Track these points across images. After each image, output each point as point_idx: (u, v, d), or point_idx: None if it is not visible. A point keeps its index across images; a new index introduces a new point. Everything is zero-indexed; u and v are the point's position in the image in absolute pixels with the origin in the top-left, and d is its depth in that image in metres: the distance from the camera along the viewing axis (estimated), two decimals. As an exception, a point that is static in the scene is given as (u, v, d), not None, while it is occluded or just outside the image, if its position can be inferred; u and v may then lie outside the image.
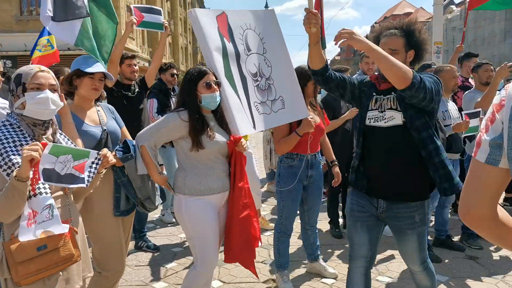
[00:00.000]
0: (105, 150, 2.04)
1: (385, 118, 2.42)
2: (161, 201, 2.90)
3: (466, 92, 4.51)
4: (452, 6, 65.74)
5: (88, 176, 1.93)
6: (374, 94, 2.51)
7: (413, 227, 2.48)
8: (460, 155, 4.29)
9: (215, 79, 2.69)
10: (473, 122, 3.98)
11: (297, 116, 3.23)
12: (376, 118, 2.45)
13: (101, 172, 2.07)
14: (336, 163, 3.75)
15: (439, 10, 9.51)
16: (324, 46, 6.41)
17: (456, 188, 2.42)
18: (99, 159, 1.98)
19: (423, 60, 2.63)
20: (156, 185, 2.84)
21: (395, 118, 2.40)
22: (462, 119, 3.97)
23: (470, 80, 5.20)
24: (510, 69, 4.23)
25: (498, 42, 51.60)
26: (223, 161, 2.73)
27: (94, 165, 1.97)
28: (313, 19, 2.32)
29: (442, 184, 2.38)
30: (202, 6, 52.14)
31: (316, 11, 2.35)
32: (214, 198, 2.67)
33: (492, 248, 4.33)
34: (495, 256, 4.15)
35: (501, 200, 5.64)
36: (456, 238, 4.53)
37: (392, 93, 2.43)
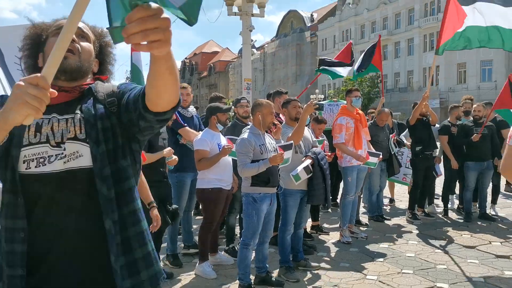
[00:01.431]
0: None
1: (65, 157, 1.39)
2: None
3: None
4: (253, 50, 72.82)
5: None
6: None
7: None
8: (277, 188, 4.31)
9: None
10: (287, 154, 4.07)
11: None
12: (42, 159, 1.39)
13: None
14: (154, 204, 3.29)
15: (248, 49, 10.09)
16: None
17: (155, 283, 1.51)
18: None
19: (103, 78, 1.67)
20: None
21: (83, 155, 1.41)
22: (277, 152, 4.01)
23: (280, 115, 5.43)
24: (315, 106, 4.51)
25: (291, 84, 58.87)
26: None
27: None
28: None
29: (123, 281, 1.41)
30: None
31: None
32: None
33: (306, 281, 4.42)
34: None
35: (309, 229, 5.96)
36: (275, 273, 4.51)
37: (78, 111, 1.46)
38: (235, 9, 9.53)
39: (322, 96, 48.65)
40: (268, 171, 3.96)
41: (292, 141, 4.23)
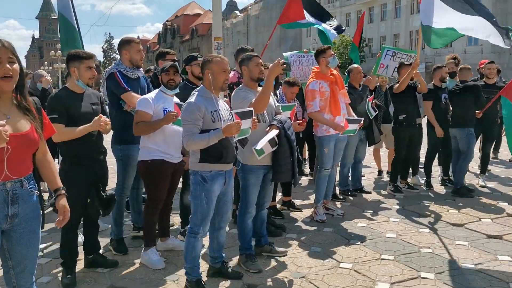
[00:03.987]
0: None
1: None
2: None
3: (236, 89, 3.81)
4: (236, 12, 70.57)
5: None
6: None
7: None
8: (234, 164, 3.58)
9: None
10: (245, 124, 3.28)
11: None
12: None
13: None
14: (63, 192, 2.49)
15: (218, 7, 9.10)
16: None
17: None
18: None
19: None
20: None
21: None
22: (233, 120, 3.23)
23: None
24: (283, 66, 3.68)
25: (275, 48, 57.42)
26: None
27: None
28: None
29: None
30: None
31: None
32: None
33: (268, 271, 3.77)
34: (275, 282, 3.59)
35: (279, 205, 5.32)
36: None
37: None
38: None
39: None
40: (221, 144, 3.21)
41: (252, 108, 3.43)
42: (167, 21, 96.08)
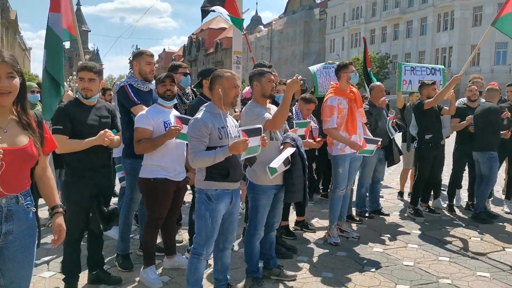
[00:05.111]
0: None
1: None
2: None
3: (247, 106, 3.68)
4: (261, 26, 71.01)
5: None
6: None
7: None
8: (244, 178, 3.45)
9: None
10: (253, 141, 3.12)
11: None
12: None
13: None
14: (60, 210, 2.40)
15: (239, 20, 9.09)
16: None
17: None
18: None
19: None
20: None
21: None
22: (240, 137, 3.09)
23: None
24: (300, 83, 3.54)
25: (298, 63, 57.50)
26: None
27: None
28: None
29: None
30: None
31: None
32: None
33: (278, 295, 3.60)
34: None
35: (292, 225, 5.14)
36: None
37: None
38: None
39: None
40: (228, 162, 3.09)
41: (260, 125, 3.27)
42: (192, 34, 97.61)
